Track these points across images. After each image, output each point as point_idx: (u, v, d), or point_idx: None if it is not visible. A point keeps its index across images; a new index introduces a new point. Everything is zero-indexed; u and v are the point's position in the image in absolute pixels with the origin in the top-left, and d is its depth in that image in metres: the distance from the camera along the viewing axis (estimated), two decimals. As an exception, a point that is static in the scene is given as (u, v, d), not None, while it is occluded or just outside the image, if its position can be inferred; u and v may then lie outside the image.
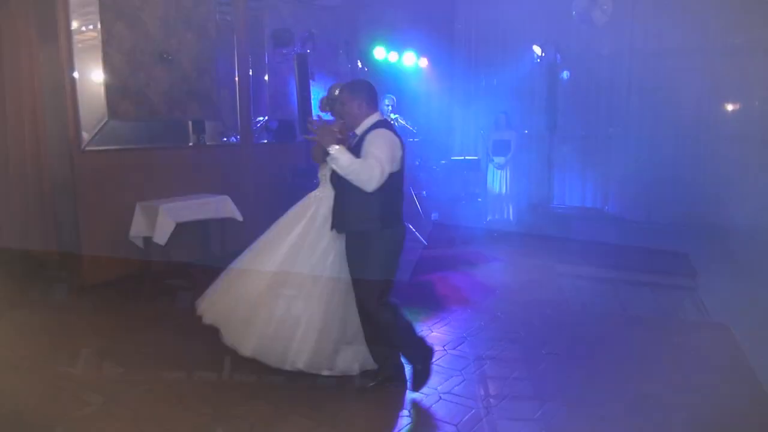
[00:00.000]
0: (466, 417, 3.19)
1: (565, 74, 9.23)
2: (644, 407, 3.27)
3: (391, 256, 3.44)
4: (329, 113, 4.04)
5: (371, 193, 3.21)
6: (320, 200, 3.70)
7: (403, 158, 3.38)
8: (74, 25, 5.47)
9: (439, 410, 3.27)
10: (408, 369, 3.55)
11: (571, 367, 3.81)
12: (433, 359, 3.57)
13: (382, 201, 3.31)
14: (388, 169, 3.21)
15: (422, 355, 3.52)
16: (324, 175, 3.72)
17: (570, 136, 9.37)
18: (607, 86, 9.09)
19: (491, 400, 3.39)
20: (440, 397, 3.42)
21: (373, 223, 3.33)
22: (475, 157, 9.30)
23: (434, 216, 8.60)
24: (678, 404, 3.30)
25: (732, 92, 8.30)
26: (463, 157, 9.45)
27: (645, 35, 8.72)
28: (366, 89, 3.46)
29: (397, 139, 3.34)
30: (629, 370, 3.75)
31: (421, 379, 3.48)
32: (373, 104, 3.45)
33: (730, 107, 8.40)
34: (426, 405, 3.32)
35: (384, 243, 3.38)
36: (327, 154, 3.24)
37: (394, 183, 3.33)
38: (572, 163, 9.56)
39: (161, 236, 5.63)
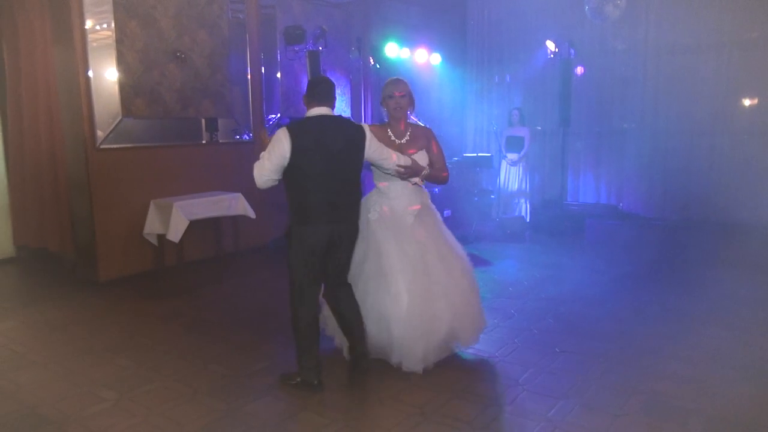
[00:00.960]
0: (480, 415, 3.17)
1: (579, 70, 9.16)
2: (660, 406, 3.24)
3: (299, 254, 3.39)
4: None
5: (286, 189, 3.42)
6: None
7: (302, 152, 3.27)
8: (88, 24, 5.52)
9: (452, 408, 3.25)
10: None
11: (585, 365, 3.78)
12: (318, 378, 3.48)
13: (291, 197, 3.41)
14: (268, 167, 3.30)
15: (311, 367, 3.48)
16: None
17: (584, 133, 9.30)
18: (622, 82, 9.01)
19: (505, 397, 3.37)
20: (453, 395, 3.41)
21: (289, 217, 3.45)
22: (488, 154, 9.27)
23: (447, 213, 8.58)
24: (694, 403, 3.26)
25: (748, 87, 8.19)
26: (475, 154, 9.42)
27: (660, 30, 8.63)
28: (310, 85, 3.50)
29: (283, 137, 3.26)
30: (644, 369, 3.72)
31: (302, 386, 3.48)
32: (314, 99, 3.40)
33: (746, 102, 8.28)
34: (439, 403, 3.31)
35: (294, 239, 3.42)
36: None
37: (298, 179, 3.33)
38: (586, 159, 9.49)
39: (175, 234, 5.68)
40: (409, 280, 3.62)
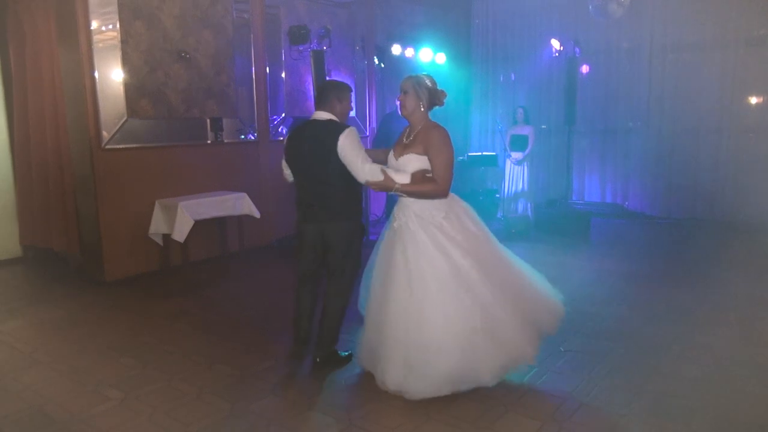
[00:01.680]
0: (484, 414, 3.17)
1: (584, 68, 9.13)
2: (665, 405, 3.22)
3: (298, 246, 3.78)
4: None
5: None
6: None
7: (287, 152, 3.67)
8: (94, 25, 5.54)
9: (456, 407, 3.25)
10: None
11: (590, 365, 3.76)
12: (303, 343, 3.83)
13: None
14: (283, 163, 3.74)
15: (297, 337, 3.89)
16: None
17: (589, 131, 9.28)
18: (627, 80, 8.98)
19: (508, 396, 3.36)
20: (458, 394, 3.40)
21: None
22: (493, 153, 9.25)
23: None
24: (700, 403, 3.25)
25: (754, 85, 8.15)
26: (480, 153, 9.40)
27: (665, 28, 8.60)
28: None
29: (288, 136, 3.73)
30: (650, 368, 3.70)
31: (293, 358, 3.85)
32: (316, 103, 3.69)
33: (752, 101, 8.23)
34: (443, 402, 3.30)
35: (296, 232, 3.79)
36: None
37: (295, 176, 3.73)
38: (591, 158, 9.46)
39: (180, 233, 5.71)
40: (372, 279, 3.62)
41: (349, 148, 3.42)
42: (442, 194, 3.41)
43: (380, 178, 3.39)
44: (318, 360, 3.74)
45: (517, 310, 3.41)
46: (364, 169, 3.42)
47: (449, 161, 3.39)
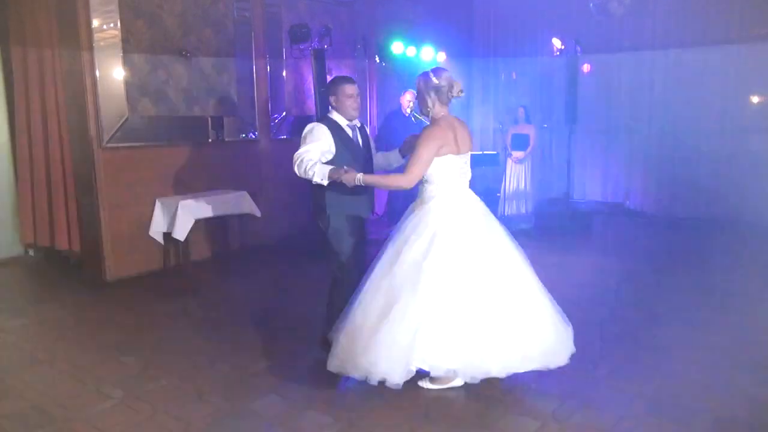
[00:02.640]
0: (484, 414, 3.17)
1: (586, 67, 9.12)
2: (666, 406, 3.23)
3: None
4: None
5: None
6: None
7: None
8: (95, 23, 5.54)
9: (456, 407, 3.25)
10: None
11: (591, 365, 3.76)
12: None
13: None
14: None
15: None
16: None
17: (590, 130, 9.26)
18: (629, 79, 8.97)
19: (509, 396, 3.36)
20: (458, 394, 3.40)
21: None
22: (494, 152, 9.24)
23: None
24: (701, 404, 3.25)
25: (757, 84, 8.13)
26: (481, 152, 9.38)
27: (667, 27, 8.58)
28: None
29: None
30: (651, 369, 3.70)
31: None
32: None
33: (755, 99, 8.21)
34: (443, 402, 3.31)
35: None
36: None
37: None
38: (593, 157, 9.46)
39: (180, 232, 5.71)
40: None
41: (302, 140, 3.59)
42: (404, 185, 3.42)
43: (312, 172, 3.46)
44: (327, 336, 3.62)
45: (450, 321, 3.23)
46: (298, 158, 3.51)
47: (421, 157, 3.34)
